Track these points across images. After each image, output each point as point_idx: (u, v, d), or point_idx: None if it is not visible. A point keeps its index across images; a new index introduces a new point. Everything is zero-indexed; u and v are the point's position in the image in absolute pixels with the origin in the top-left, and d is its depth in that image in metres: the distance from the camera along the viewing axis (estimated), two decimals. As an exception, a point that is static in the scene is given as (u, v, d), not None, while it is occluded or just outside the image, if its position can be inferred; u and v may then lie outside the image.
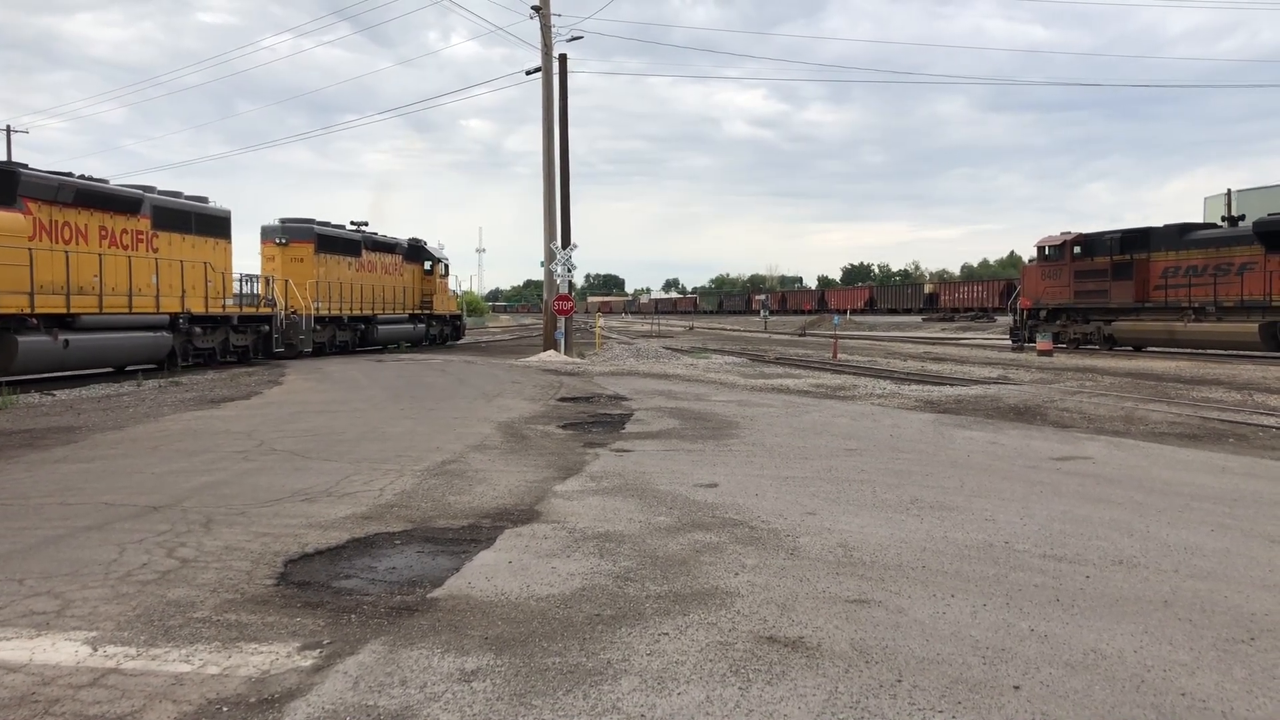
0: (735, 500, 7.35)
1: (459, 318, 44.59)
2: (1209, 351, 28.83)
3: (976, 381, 19.32)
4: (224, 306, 25.83)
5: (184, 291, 23.62)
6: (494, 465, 8.98)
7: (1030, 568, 5.45)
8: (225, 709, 3.58)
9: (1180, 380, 19.29)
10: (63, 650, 4.15)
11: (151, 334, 22.19)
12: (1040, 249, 36.41)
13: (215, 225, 25.70)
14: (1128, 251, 32.23)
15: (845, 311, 78.05)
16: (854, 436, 10.92)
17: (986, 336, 46.80)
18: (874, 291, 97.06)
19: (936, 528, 6.44)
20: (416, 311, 39.25)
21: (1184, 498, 7.48)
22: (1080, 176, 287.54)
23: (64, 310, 19.34)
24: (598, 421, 12.51)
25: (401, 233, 39.63)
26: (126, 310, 21.39)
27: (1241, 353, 27.62)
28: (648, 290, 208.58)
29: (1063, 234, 35.29)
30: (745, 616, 4.60)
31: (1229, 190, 45.75)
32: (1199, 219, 47.27)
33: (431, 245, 40.42)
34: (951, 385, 18.40)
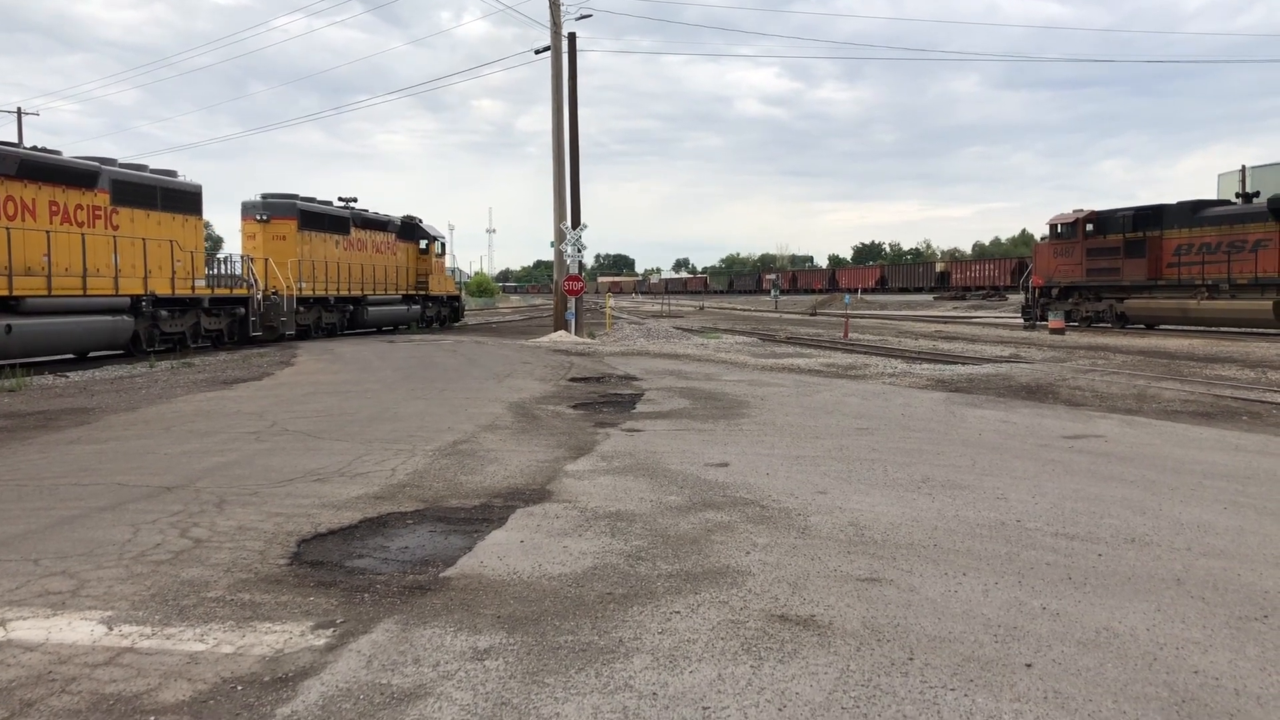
0: (746, 479, 7.35)
1: (457, 298, 43.86)
2: (1222, 329, 28.73)
3: (988, 360, 19.28)
4: (194, 288, 24.33)
5: (148, 272, 22.24)
6: (505, 445, 9.00)
7: (1042, 546, 5.44)
8: (240, 688, 3.60)
9: (1193, 358, 19.21)
10: (79, 629, 4.17)
11: (110, 318, 20.67)
12: (1052, 227, 36.53)
13: (184, 201, 24.28)
14: (1140, 229, 32.30)
15: (856, 291, 77.88)
16: (865, 415, 10.90)
17: (999, 315, 46.69)
18: (885, 270, 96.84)
19: (948, 506, 6.43)
20: (411, 292, 38.40)
21: (1196, 475, 7.46)
22: (1094, 154, 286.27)
23: (6, 292, 17.99)
24: (608, 401, 12.52)
25: (409, 212, 39.08)
26: (80, 292, 19.88)
27: (1255, 330, 27.55)
28: (658, 270, 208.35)
29: (1075, 211, 35.37)
30: (757, 595, 4.60)
31: (1243, 167, 45.36)
32: (1212, 196, 47.03)
33: (428, 224, 39.80)
34: (963, 364, 18.35)
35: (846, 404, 12.02)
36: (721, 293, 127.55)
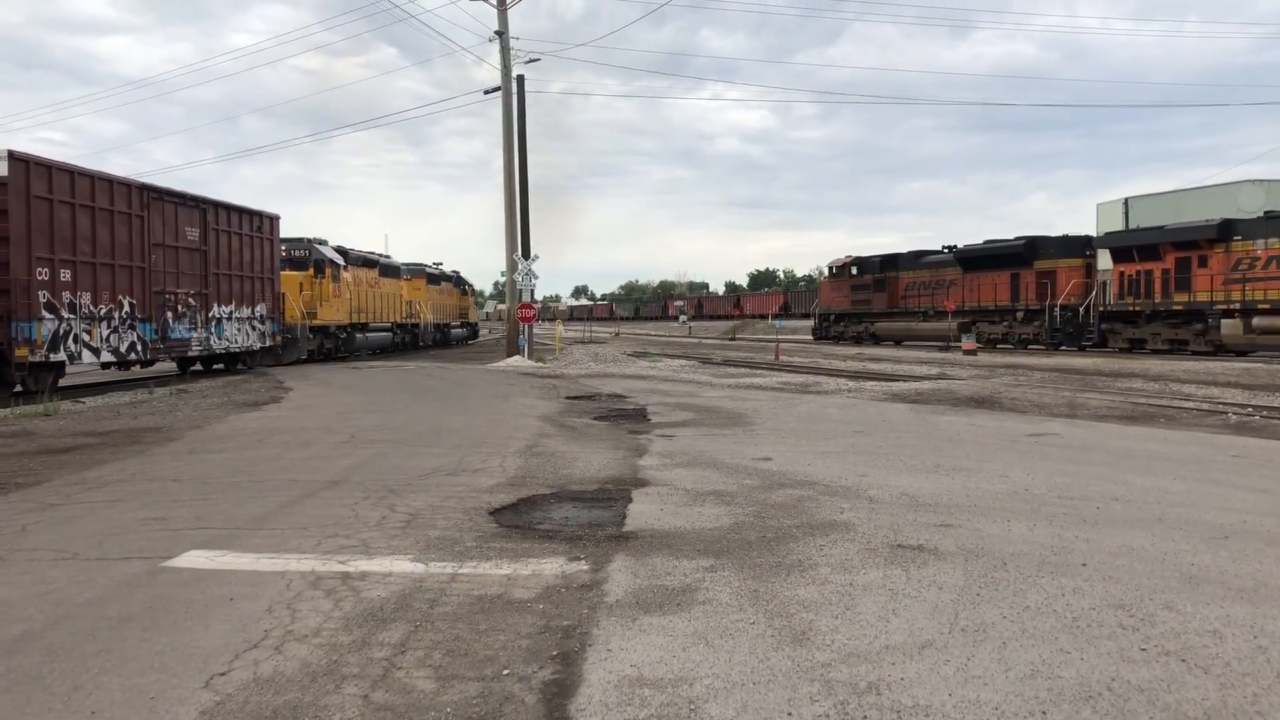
0: (794, 469, 9.12)
1: (476, 324, 62.67)
2: (933, 342, 41.37)
3: (923, 378, 21.47)
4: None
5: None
6: (571, 448, 10.61)
7: (1053, 504, 7.33)
8: (562, 590, 5.19)
9: (1101, 374, 21.70)
10: (405, 565, 5.70)
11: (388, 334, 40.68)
12: (830, 268, 49.80)
13: (395, 270, 41.94)
14: (885, 271, 44.53)
15: (767, 316, 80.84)
16: (853, 422, 12.80)
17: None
18: (788, 297, 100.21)
19: (967, 482, 8.30)
20: (461, 320, 55.55)
21: (1143, 459, 9.50)
22: (1027, 188, 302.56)
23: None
24: (621, 415, 14.18)
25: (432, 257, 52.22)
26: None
27: (945, 343, 39.39)
28: (558, 297, 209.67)
29: (845, 257, 47.84)
30: (871, 535, 6.36)
31: (1125, 199, 49.20)
32: (1093, 223, 51.32)
33: (464, 274, 55.64)
34: (904, 381, 20.48)
35: (829, 414, 13.92)
36: (628, 319, 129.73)
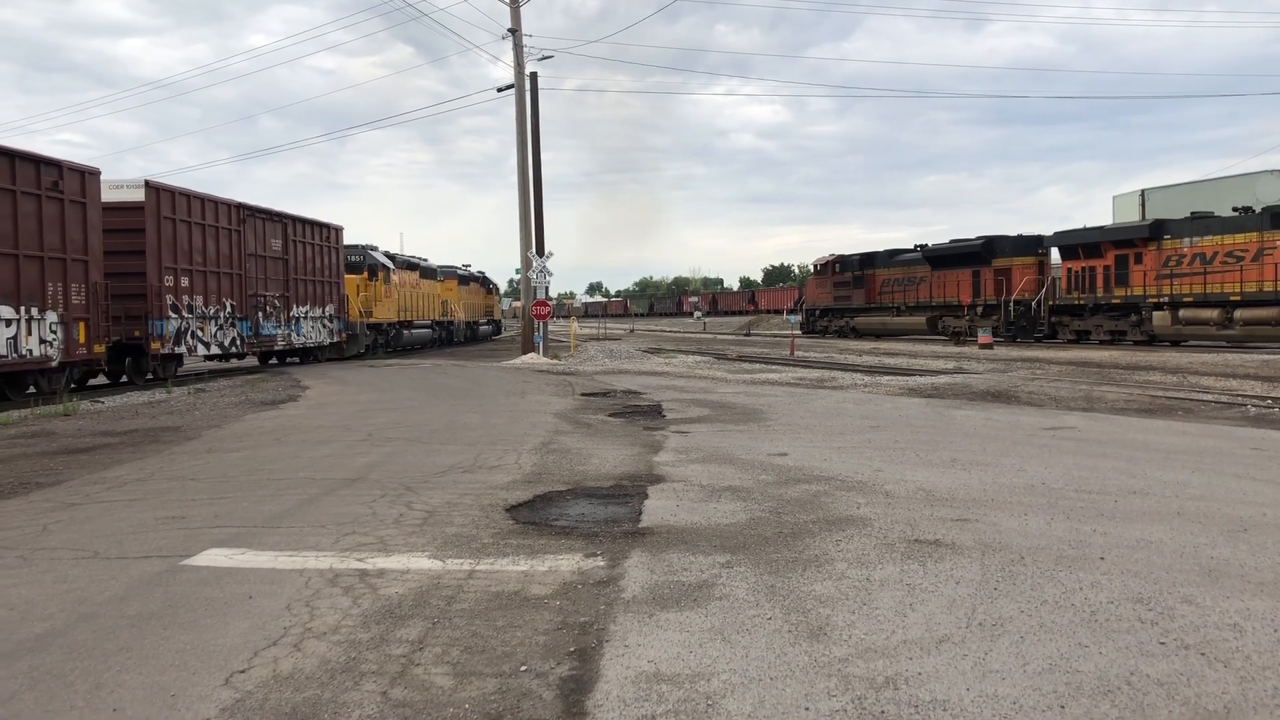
0: (810, 464, 9.11)
1: (499, 321, 66.62)
2: (908, 336, 44.79)
3: (939, 372, 21.41)
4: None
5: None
6: (586, 445, 10.62)
7: (1070, 498, 7.30)
8: (579, 586, 5.21)
9: (1118, 367, 21.59)
10: (422, 563, 5.73)
11: (430, 332, 45.50)
12: (815, 266, 53.44)
13: (434, 272, 46.38)
14: (863, 268, 47.52)
15: (783, 312, 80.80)
16: (868, 417, 12.78)
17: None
18: (803, 292, 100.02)
19: (984, 477, 8.27)
20: (485, 318, 59.67)
21: (1161, 452, 9.45)
22: (1043, 180, 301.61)
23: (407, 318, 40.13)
24: (636, 411, 14.18)
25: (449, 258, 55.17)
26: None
27: (917, 337, 43.65)
28: (572, 294, 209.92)
29: (829, 255, 50.71)
30: (887, 530, 6.35)
31: (1142, 191, 48.91)
32: (1109, 215, 51.16)
33: (489, 275, 59.90)
34: (920, 375, 20.43)
35: (845, 409, 13.90)
36: (643, 315, 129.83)
